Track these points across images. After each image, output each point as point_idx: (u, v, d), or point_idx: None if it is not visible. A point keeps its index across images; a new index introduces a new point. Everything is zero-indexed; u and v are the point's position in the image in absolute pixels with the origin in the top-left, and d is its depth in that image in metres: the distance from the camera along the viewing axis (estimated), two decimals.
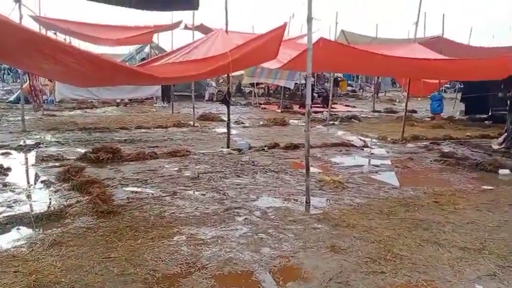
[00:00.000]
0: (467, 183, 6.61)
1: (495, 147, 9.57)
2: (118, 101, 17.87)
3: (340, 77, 27.50)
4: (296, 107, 17.61)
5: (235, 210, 5.09)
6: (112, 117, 13.98)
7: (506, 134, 9.55)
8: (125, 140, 9.78)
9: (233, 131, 10.69)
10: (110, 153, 7.58)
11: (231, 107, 9.27)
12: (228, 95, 8.98)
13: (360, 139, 9.96)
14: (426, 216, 4.94)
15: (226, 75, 9.90)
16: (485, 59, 8.94)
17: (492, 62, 8.56)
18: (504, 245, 4.13)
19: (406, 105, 10.72)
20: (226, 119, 9.20)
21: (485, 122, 13.96)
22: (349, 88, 31.42)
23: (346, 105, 20.32)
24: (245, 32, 13.78)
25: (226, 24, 8.59)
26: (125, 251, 3.88)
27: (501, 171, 7.25)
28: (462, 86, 17.43)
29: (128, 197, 5.56)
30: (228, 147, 8.84)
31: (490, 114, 14.33)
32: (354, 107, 19.74)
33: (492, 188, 6.28)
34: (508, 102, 9.85)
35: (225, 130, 9.45)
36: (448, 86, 26.06)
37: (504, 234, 4.44)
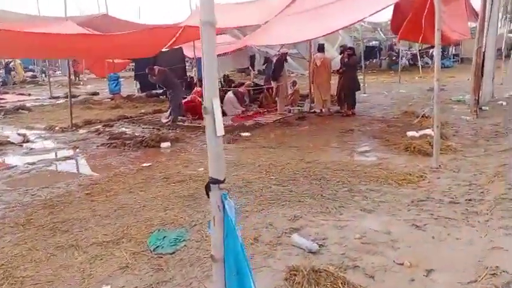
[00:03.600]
0: (129, 163, 6.52)
1: (164, 120, 10.13)
2: None
3: (15, 62, 23.85)
4: None
5: None
6: None
7: (170, 108, 10.24)
8: None
9: None
10: None
11: None
12: None
13: (19, 134, 8.51)
14: (71, 215, 4.40)
15: None
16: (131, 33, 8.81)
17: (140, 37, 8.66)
18: (145, 227, 4.05)
19: (69, 89, 9.87)
20: None
21: (160, 96, 14.73)
22: (30, 74, 27.81)
23: (20, 94, 17.75)
24: None
25: None
26: None
27: (162, 144, 7.58)
28: (134, 65, 17.81)
29: None
30: None
31: (163, 89, 15.22)
32: (30, 94, 17.45)
33: (150, 164, 6.37)
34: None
35: None
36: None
37: (149, 213, 4.39)
